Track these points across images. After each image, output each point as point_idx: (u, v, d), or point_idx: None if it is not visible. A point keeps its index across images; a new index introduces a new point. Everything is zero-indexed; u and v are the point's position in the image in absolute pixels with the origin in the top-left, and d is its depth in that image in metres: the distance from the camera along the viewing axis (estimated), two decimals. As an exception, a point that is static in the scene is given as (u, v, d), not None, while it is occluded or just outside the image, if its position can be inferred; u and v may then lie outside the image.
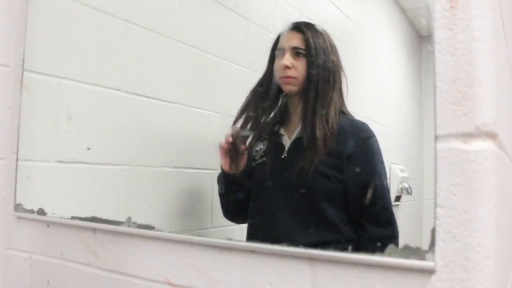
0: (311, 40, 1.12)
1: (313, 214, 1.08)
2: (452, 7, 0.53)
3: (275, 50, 1.18)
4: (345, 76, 1.15)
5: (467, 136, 0.52)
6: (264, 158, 1.17)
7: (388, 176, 1.84)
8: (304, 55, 1.12)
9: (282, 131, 1.18)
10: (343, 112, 1.13)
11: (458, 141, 0.52)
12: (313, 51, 1.12)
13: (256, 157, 1.19)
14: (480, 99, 0.51)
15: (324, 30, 1.15)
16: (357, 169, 1.07)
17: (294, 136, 1.15)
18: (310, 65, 1.12)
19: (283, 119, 1.19)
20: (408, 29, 2.08)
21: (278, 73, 1.15)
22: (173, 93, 1.33)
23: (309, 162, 1.07)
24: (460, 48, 0.53)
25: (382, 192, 1.09)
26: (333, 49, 1.15)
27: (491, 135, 0.51)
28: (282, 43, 1.17)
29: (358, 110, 1.18)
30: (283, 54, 1.14)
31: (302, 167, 1.07)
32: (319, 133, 1.07)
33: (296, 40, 1.14)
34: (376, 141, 1.11)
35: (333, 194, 1.08)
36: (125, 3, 1.21)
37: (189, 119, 1.37)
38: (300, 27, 1.15)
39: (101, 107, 1.15)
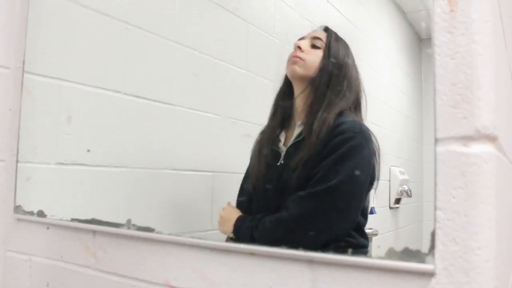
0: (333, 37, 1.11)
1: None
2: (452, 10, 0.54)
3: None
4: (364, 92, 1.12)
5: (467, 139, 0.52)
6: (262, 166, 1.14)
7: (388, 178, 1.84)
8: (320, 48, 1.10)
9: (280, 136, 1.16)
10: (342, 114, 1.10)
11: (458, 144, 0.52)
12: (334, 48, 1.10)
13: (254, 163, 1.17)
14: (480, 102, 0.51)
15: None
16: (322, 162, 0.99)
17: (291, 141, 1.12)
18: (325, 61, 1.09)
19: (283, 122, 1.16)
20: (408, 32, 2.08)
21: (289, 56, 1.13)
22: (173, 95, 1.33)
23: (303, 156, 1.02)
24: (460, 51, 0.53)
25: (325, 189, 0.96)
26: (352, 57, 1.13)
27: (491, 138, 0.51)
28: (305, 35, 1.16)
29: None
30: (301, 40, 1.13)
31: (297, 163, 1.03)
32: (313, 136, 1.03)
33: (319, 33, 1.13)
34: (355, 145, 1.00)
35: None
36: (125, 5, 1.21)
37: (188, 121, 1.37)
38: (327, 28, 1.14)
39: (101, 109, 1.15)
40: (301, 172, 1.01)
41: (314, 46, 1.11)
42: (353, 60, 1.13)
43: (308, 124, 1.06)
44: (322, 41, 1.11)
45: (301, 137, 1.09)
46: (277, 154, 1.13)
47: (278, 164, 1.11)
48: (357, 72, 1.13)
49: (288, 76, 1.14)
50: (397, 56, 2.10)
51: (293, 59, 1.11)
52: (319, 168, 0.98)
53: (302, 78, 1.11)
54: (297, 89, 1.13)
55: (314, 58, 1.10)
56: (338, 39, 1.13)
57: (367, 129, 1.04)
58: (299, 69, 1.11)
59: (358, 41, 1.85)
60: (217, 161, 1.43)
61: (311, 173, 0.99)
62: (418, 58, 2.06)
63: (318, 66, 1.09)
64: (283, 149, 1.13)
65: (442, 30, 0.54)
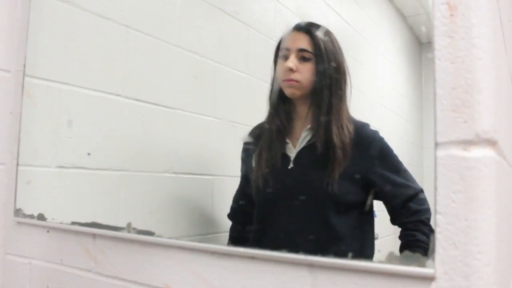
0: (320, 42, 1.08)
1: (322, 225, 1.06)
2: (452, 15, 0.54)
3: (278, 52, 1.14)
4: (350, 77, 1.12)
5: (467, 143, 0.52)
6: (268, 169, 1.12)
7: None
8: (309, 59, 1.08)
9: (286, 139, 1.14)
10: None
11: (458, 148, 0.52)
12: (324, 55, 1.08)
13: (258, 166, 1.15)
14: (480, 106, 0.52)
15: (329, 30, 1.11)
16: (385, 174, 1.08)
17: (300, 145, 1.11)
18: (320, 69, 1.08)
19: (285, 126, 1.15)
20: (408, 36, 2.08)
21: (280, 75, 1.11)
22: (173, 98, 1.33)
23: (330, 173, 1.03)
24: (460, 56, 0.53)
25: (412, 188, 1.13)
26: (340, 50, 1.11)
27: (491, 142, 0.51)
28: (287, 43, 1.12)
29: (358, 116, 1.17)
30: (288, 55, 1.10)
31: (323, 178, 1.03)
32: (337, 141, 1.04)
33: (303, 42, 1.09)
34: (385, 142, 1.11)
35: (346, 205, 1.06)
36: (126, 9, 1.21)
37: (189, 124, 1.37)
38: (307, 28, 1.11)
39: (102, 113, 1.15)
40: (342, 182, 1.04)
41: (302, 58, 1.09)
42: (339, 48, 1.11)
43: (327, 132, 1.07)
44: (309, 52, 1.09)
45: (311, 142, 1.09)
46: (286, 158, 1.12)
47: (289, 168, 1.11)
48: (344, 60, 1.12)
49: (288, 97, 1.12)
50: (398, 60, 2.10)
51: (289, 83, 1.10)
52: (393, 178, 1.10)
53: (302, 96, 1.11)
54: (298, 101, 1.13)
55: (308, 74, 1.09)
56: (322, 37, 1.09)
57: None
58: (297, 91, 1.10)
59: (358, 45, 1.85)
60: (218, 164, 1.43)
61: (349, 183, 1.05)
62: (418, 62, 2.06)
63: (314, 79, 1.09)
64: (292, 152, 1.12)
65: (442, 34, 0.54)
